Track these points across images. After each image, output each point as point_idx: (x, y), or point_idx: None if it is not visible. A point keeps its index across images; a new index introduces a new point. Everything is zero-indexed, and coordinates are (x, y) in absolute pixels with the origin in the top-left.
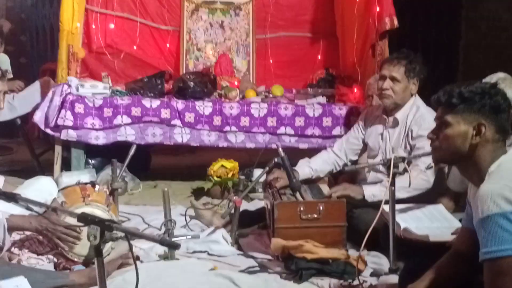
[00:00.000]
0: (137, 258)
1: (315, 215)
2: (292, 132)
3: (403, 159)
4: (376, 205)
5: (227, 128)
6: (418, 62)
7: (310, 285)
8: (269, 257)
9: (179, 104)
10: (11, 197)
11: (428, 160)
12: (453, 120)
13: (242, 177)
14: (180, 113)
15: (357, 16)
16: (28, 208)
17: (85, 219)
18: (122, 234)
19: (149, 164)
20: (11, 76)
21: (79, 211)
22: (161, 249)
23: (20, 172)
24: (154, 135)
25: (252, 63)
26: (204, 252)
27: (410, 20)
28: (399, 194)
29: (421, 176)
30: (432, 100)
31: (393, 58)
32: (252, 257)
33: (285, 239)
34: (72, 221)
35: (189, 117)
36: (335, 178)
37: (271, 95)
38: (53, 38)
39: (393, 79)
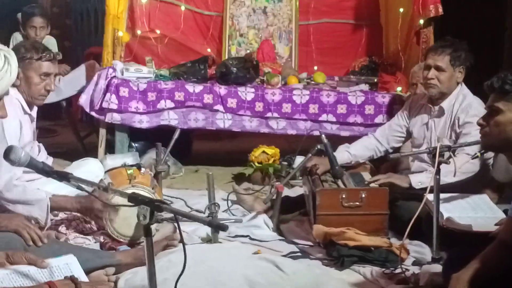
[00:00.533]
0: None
1: (357, 203)
2: (334, 119)
3: (448, 148)
4: (418, 195)
5: (269, 114)
6: (464, 50)
7: (351, 272)
8: (310, 243)
9: (222, 89)
10: (64, 176)
11: (475, 149)
12: (504, 107)
13: (285, 163)
14: (223, 99)
15: (402, 3)
16: (79, 188)
17: (136, 199)
18: (168, 216)
19: (191, 149)
20: (61, 57)
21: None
22: (204, 232)
23: (64, 154)
24: (197, 120)
25: (294, 50)
26: (246, 236)
27: (455, 7)
28: (446, 179)
29: (467, 160)
30: (485, 86)
31: (438, 46)
32: (294, 242)
33: (326, 226)
34: (122, 200)
35: (231, 102)
36: (377, 167)
37: (313, 82)
38: (97, 22)
39: (438, 68)
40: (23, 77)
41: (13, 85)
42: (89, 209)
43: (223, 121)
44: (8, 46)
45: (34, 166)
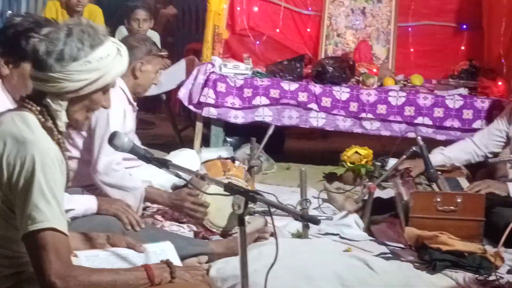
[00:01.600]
0: (271, 234)
1: (452, 207)
2: (430, 122)
3: None
4: None
5: (363, 114)
6: None
7: (443, 276)
8: (401, 245)
9: (317, 88)
10: (163, 163)
11: None
12: None
13: (378, 164)
14: (317, 97)
15: (506, 7)
16: (177, 175)
17: (231, 188)
18: (261, 209)
19: (283, 146)
20: (166, 53)
21: None
22: (295, 228)
23: (162, 146)
24: (291, 117)
25: (392, 51)
26: (336, 235)
27: None
28: None
29: None
30: None
31: None
32: (384, 244)
33: (419, 229)
34: (218, 190)
35: (326, 101)
36: (472, 173)
37: (410, 84)
38: (198, 19)
39: None
40: (144, 70)
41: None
42: (180, 207)
43: (317, 119)
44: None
45: (136, 152)
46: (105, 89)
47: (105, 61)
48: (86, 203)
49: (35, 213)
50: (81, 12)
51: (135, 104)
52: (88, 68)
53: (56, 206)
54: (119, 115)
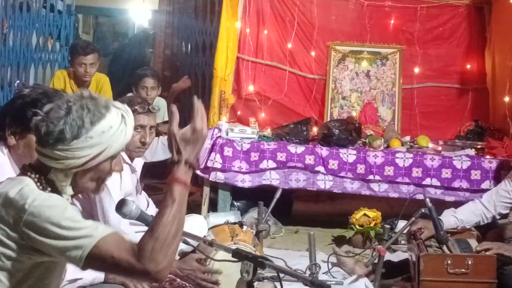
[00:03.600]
0: None
1: (463, 270)
2: (438, 183)
3: None
4: None
5: (371, 176)
6: None
7: None
8: None
9: (323, 151)
10: None
11: None
12: None
13: (387, 226)
14: (324, 160)
15: (510, 68)
16: (184, 242)
17: (239, 254)
18: (270, 274)
19: (291, 209)
20: (167, 118)
21: None
22: None
23: None
24: (298, 180)
25: (397, 113)
26: None
27: None
28: None
29: None
30: None
31: None
32: None
33: None
34: (225, 256)
35: (333, 164)
36: (482, 234)
37: (416, 146)
38: (204, 85)
39: None
40: None
41: None
42: (191, 277)
43: (324, 182)
44: None
45: (143, 219)
46: (112, 157)
47: (107, 134)
48: (93, 272)
49: (76, 242)
50: (88, 82)
51: (132, 164)
52: (90, 144)
53: (81, 224)
54: (116, 178)
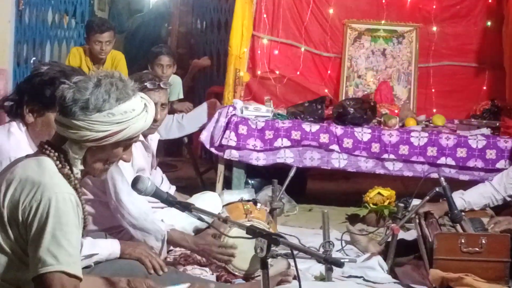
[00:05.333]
0: (294, 277)
1: (477, 249)
2: (453, 163)
3: None
4: None
5: (385, 155)
6: None
7: None
8: (425, 287)
9: (338, 129)
10: (186, 207)
11: None
12: None
13: (401, 205)
14: (339, 139)
15: None
16: (199, 218)
17: (254, 231)
18: (283, 251)
19: (305, 187)
20: (182, 96)
21: None
22: (318, 271)
23: (184, 189)
24: (312, 158)
25: (413, 92)
26: (360, 277)
27: None
28: None
29: None
30: None
31: None
32: (409, 286)
33: (443, 271)
34: (239, 233)
35: (347, 142)
36: (497, 213)
37: (431, 125)
38: (219, 63)
39: None
40: None
41: None
42: (208, 251)
43: (339, 161)
44: None
45: (159, 196)
46: (126, 145)
47: (128, 115)
48: (109, 247)
49: (45, 256)
50: (104, 59)
51: (145, 140)
52: (111, 120)
53: (68, 249)
54: None
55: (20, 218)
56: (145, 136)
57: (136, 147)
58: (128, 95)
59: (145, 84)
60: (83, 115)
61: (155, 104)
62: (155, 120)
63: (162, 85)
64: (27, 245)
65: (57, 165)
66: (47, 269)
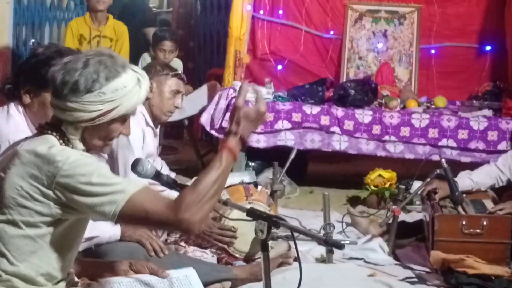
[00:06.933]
0: (295, 259)
1: (478, 230)
2: (455, 144)
3: None
4: None
5: (386, 137)
6: None
7: None
8: (427, 269)
9: (339, 111)
10: None
11: None
12: None
13: (402, 187)
14: (340, 121)
15: None
16: None
17: (254, 214)
18: (284, 234)
19: (306, 170)
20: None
21: None
22: (318, 253)
23: (184, 171)
24: (313, 141)
25: (414, 73)
26: (361, 259)
27: None
28: None
29: None
30: None
31: None
32: (410, 268)
33: (445, 253)
34: (240, 215)
35: (348, 124)
36: (499, 195)
37: (433, 106)
38: (219, 45)
39: None
40: (156, 91)
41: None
42: (207, 234)
43: (339, 143)
44: (137, 66)
45: (159, 178)
46: (123, 119)
47: (120, 93)
48: (110, 230)
49: (106, 200)
50: (105, 14)
51: (155, 127)
52: (102, 99)
53: (113, 180)
54: (138, 136)
55: (49, 192)
56: (158, 122)
57: (148, 134)
58: (118, 72)
59: (175, 72)
60: (75, 97)
61: (178, 92)
62: (177, 107)
63: (183, 77)
64: (62, 207)
65: (60, 143)
66: (118, 207)
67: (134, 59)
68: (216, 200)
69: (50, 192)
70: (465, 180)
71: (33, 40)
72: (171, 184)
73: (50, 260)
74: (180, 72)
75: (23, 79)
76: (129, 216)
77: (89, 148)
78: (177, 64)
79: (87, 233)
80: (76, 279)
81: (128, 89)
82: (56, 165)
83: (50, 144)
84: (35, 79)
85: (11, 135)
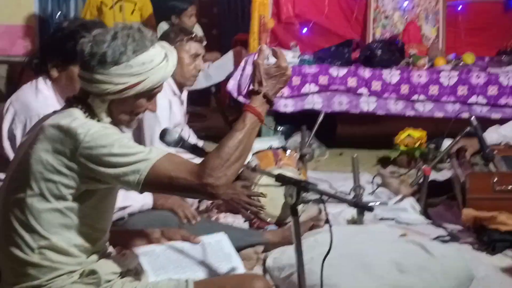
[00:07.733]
0: (326, 221)
1: (510, 187)
2: (484, 101)
3: None
4: None
5: (415, 96)
6: None
7: (504, 257)
8: (459, 227)
9: (366, 72)
10: None
11: None
12: None
13: (432, 146)
14: (367, 82)
15: None
16: None
17: (283, 179)
18: (314, 197)
19: (335, 132)
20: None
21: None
22: (349, 214)
23: (214, 138)
24: (341, 103)
25: (441, 30)
26: (392, 219)
27: None
28: None
29: None
30: None
31: None
32: (442, 226)
33: (476, 210)
34: (269, 181)
35: (376, 85)
36: None
37: (461, 63)
38: (243, 10)
39: None
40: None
41: None
42: (237, 200)
43: (367, 104)
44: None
45: (187, 147)
46: (150, 95)
47: (147, 66)
48: (142, 199)
49: (129, 169)
50: None
51: (181, 95)
52: (129, 72)
53: (135, 149)
54: (165, 106)
55: (72, 164)
56: (182, 88)
57: (174, 103)
58: (146, 46)
59: (192, 36)
60: (102, 69)
61: (199, 55)
62: (199, 71)
63: (199, 38)
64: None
65: (86, 117)
66: (142, 175)
67: (153, 30)
68: (242, 162)
69: (74, 165)
70: (493, 135)
71: (59, 13)
72: (199, 153)
73: (81, 232)
74: (195, 33)
75: (50, 53)
76: (153, 184)
77: (115, 123)
78: (198, 29)
79: (120, 203)
80: (109, 249)
81: (155, 63)
82: (78, 137)
83: (73, 117)
84: (62, 53)
85: (41, 110)
